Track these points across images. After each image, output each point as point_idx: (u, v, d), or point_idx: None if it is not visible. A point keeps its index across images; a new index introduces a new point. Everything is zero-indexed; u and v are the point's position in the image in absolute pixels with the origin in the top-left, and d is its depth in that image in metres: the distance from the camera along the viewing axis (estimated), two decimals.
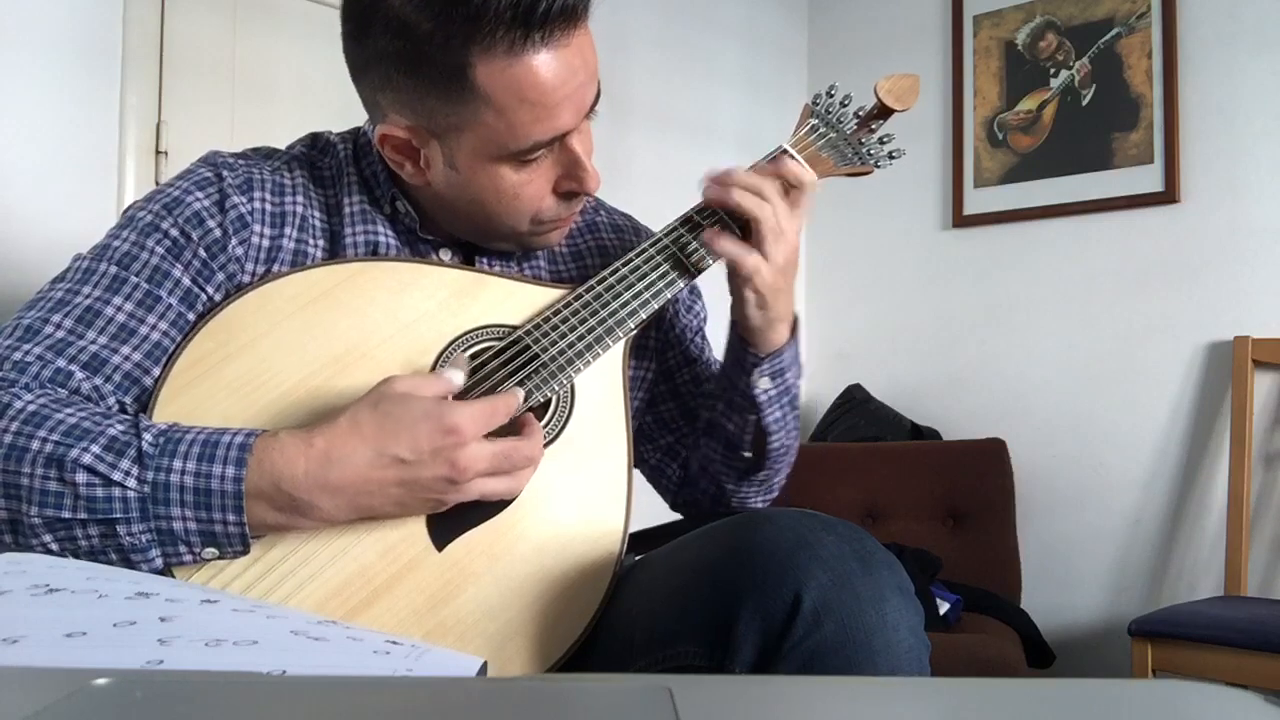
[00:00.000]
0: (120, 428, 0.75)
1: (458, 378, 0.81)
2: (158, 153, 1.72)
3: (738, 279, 0.93)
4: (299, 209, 0.92)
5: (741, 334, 0.97)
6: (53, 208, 1.59)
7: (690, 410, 1.09)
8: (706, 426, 1.03)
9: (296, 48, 1.90)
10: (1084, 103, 2.67)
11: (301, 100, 1.90)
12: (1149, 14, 2.57)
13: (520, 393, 0.83)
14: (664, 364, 1.08)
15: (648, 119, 2.59)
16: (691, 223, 0.96)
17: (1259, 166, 2.43)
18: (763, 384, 0.96)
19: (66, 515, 0.72)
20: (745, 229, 0.94)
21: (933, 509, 2.49)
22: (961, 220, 2.84)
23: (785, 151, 0.99)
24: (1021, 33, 2.77)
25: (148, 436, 0.75)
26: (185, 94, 1.76)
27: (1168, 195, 2.52)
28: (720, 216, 0.95)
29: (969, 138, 2.84)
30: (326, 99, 1.89)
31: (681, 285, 0.94)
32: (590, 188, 0.90)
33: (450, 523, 0.81)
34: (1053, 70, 2.72)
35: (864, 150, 1.05)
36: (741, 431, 1.00)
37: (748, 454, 1.01)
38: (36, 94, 1.58)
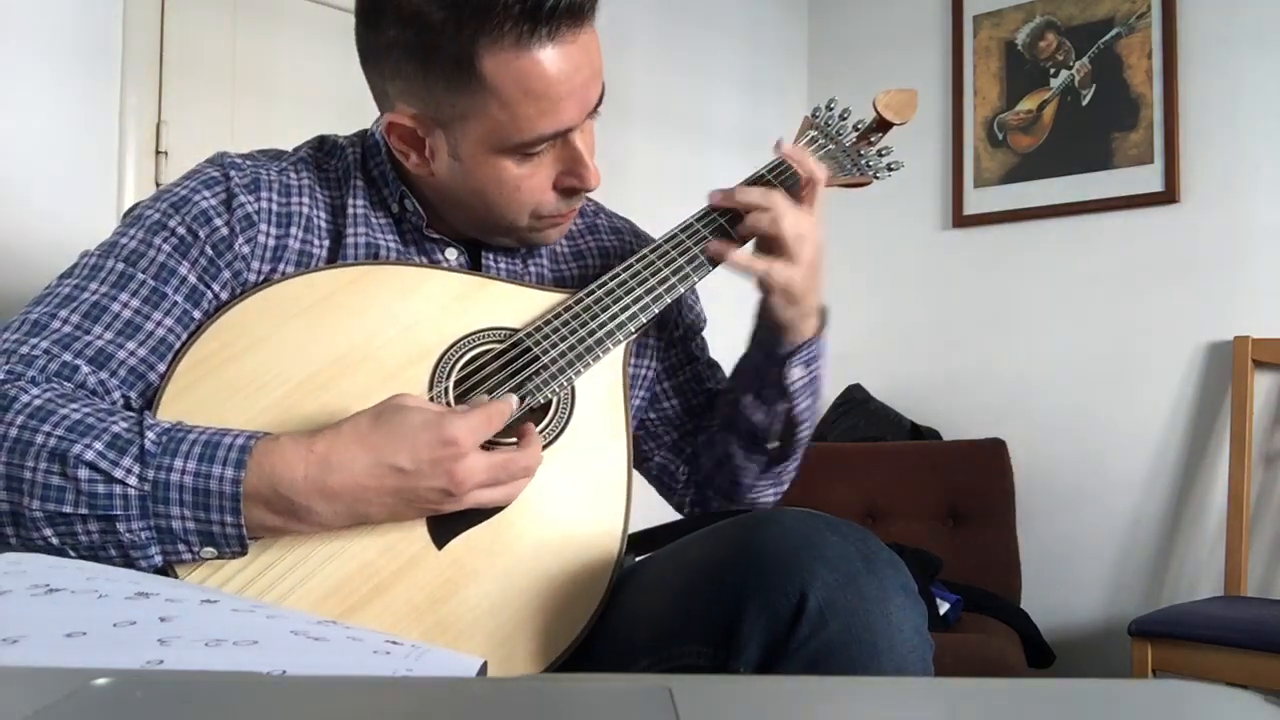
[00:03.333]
0: (124, 425, 0.75)
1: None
2: (158, 153, 1.72)
3: (770, 289, 0.94)
4: (305, 209, 0.93)
5: (771, 330, 0.98)
6: (53, 207, 1.59)
7: (692, 407, 1.10)
8: (725, 422, 1.04)
9: (296, 48, 1.90)
10: (1084, 103, 2.67)
11: (301, 100, 1.90)
12: (1149, 14, 2.57)
13: (514, 399, 0.84)
14: (666, 362, 1.09)
15: (647, 119, 2.58)
16: (692, 229, 0.97)
17: (1259, 166, 2.43)
18: (795, 373, 0.98)
19: (68, 510, 0.73)
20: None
21: (933, 509, 2.49)
22: (961, 220, 2.84)
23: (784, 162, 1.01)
24: (1021, 33, 2.77)
25: (150, 435, 0.75)
26: (185, 94, 1.76)
27: (1168, 195, 2.52)
28: (721, 223, 0.97)
29: (969, 138, 2.84)
30: (327, 99, 1.89)
31: (682, 290, 0.96)
32: (590, 184, 0.91)
33: (450, 521, 0.81)
34: (1053, 70, 2.72)
35: (863, 162, 1.07)
36: (771, 422, 1.01)
37: (773, 445, 1.03)
38: (36, 94, 1.58)
